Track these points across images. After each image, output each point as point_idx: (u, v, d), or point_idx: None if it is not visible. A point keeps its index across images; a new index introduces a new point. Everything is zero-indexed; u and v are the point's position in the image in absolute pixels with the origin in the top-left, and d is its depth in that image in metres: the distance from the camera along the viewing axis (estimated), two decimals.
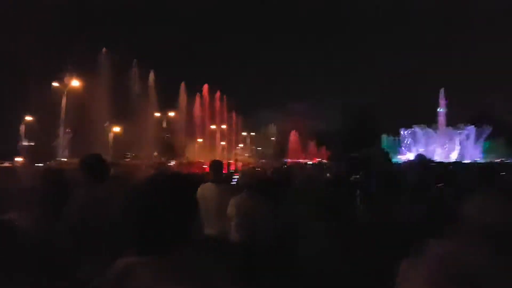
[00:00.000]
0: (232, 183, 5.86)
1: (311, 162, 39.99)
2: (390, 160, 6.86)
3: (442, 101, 55.43)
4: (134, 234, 1.40)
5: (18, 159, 34.21)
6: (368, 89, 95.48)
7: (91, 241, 2.86)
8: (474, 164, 23.08)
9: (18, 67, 43.43)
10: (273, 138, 76.49)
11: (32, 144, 47.30)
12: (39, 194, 3.44)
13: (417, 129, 55.88)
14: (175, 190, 1.48)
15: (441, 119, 55.45)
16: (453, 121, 56.23)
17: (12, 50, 41.72)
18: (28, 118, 46.99)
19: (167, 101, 61.53)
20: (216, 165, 5.02)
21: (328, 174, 11.48)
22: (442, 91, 55.50)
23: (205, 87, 65.54)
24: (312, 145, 73.35)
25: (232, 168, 31.22)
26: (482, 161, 33.80)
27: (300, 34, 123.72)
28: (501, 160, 35.71)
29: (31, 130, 47.35)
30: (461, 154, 45.86)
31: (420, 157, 4.12)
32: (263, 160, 50.20)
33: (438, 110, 55.53)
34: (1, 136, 39.76)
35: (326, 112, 66.10)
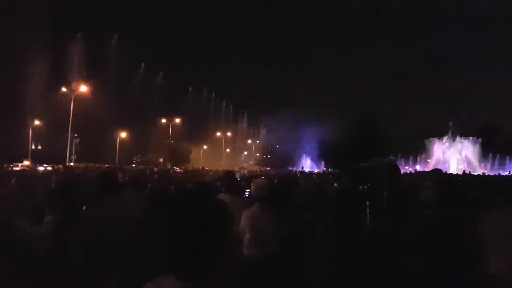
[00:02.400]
0: (245, 194, 5.83)
1: (316, 171, 39.86)
2: (399, 172, 6.81)
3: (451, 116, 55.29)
4: (168, 252, 1.40)
5: (26, 162, 34.40)
6: (376, 100, 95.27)
7: (107, 253, 2.87)
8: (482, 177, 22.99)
9: (26, 72, 43.91)
10: (277, 146, 76.43)
11: (40, 148, 47.60)
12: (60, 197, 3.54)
13: (435, 140, 55.57)
14: (212, 209, 1.49)
15: (452, 131, 55.20)
16: (463, 133, 56.04)
17: (20, 55, 42.25)
18: (37, 122, 47.37)
19: (173, 107, 61.95)
20: (229, 176, 5.03)
21: (335, 184, 11.46)
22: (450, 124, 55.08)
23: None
24: (317, 154, 73.17)
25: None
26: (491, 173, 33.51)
27: (303, 44, 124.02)
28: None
29: (39, 134, 47.68)
30: (469, 167, 45.58)
31: (436, 171, 4.08)
32: (268, 168, 50.08)
33: (450, 123, 55.35)
34: (10, 139, 40.03)
35: (332, 122, 65.97)
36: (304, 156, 69.08)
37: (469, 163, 49.65)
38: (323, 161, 68.76)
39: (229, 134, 72.51)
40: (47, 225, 3.48)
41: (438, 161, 46.86)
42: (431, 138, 56.24)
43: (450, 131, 54.27)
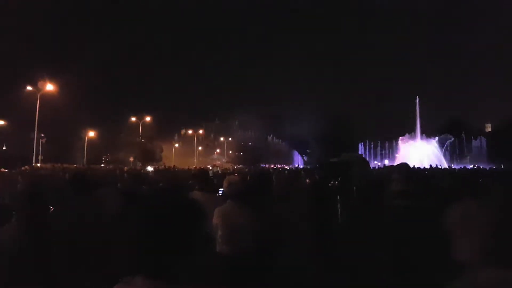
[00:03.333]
0: (218, 193, 5.81)
1: (287, 167, 40.15)
2: (368, 166, 7.01)
3: (417, 111, 56.96)
4: (137, 249, 1.40)
5: None
6: (345, 98, 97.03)
7: (78, 253, 2.83)
8: (448, 170, 23.83)
9: None
10: (250, 143, 76.52)
11: (4, 149, 45.81)
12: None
13: (405, 138, 57.11)
14: (184, 203, 1.50)
15: (417, 128, 56.90)
16: (426, 131, 57.92)
17: None
18: (1, 122, 45.51)
19: (144, 105, 60.91)
20: (203, 174, 5.02)
21: (307, 180, 11.63)
22: (417, 101, 56.96)
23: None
24: (288, 150, 73.74)
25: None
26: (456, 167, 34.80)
27: (279, 40, 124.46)
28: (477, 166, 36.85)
29: (3, 134, 45.86)
30: (434, 162, 47.24)
31: (403, 165, 4.22)
32: (240, 166, 50.07)
33: (416, 119, 57.03)
34: None
35: (303, 118, 66.66)
36: (276, 152, 69.55)
37: (435, 158, 51.38)
38: (295, 157, 69.47)
39: (201, 131, 71.93)
40: (13, 226, 3.38)
41: (405, 157, 48.25)
42: (400, 136, 57.85)
43: (417, 127, 55.94)
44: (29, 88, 38.72)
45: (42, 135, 44.06)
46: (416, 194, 3.91)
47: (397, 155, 55.41)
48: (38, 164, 35.61)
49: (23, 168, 26.06)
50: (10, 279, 2.90)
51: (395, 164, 6.37)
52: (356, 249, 5.95)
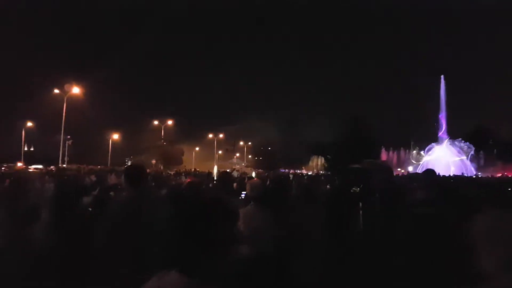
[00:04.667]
0: (241, 196, 5.87)
1: (307, 173, 39.85)
2: (392, 173, 6.90)
3: (442, 118, 55.49)
4: (175, 244, 1.46)
5: (19, 164, 34.16)
6: (368, 102, 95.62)
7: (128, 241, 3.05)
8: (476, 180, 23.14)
9: (20, 73, 43.59)
10: (269, 148, 76.36)
11: (32, 149, 47.21)
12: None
13: (428, 143, 55.86)
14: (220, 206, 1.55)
15: (442, 134, 55.50)
16: (453, 137, 56.41)
17: (13, 57, 41.92)
18: (29, 124, 46.97)
19: (166, 109, 61.84)
20: (226, 177, 5.08)
21: (327, 186, 11.52)
22: (442, 104, 55.50)
23: None
24: (308, 155, 73.25)
25: None
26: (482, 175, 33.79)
27: (297, 43, 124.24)
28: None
29: (31, 135, 47.30)
30: (461, 170, 45.91)
31: (428, 172, 4.14)
32: (260, 170, 50.08)
33: (439, 126, 55.59)
34: (3, 141, 39.74)
35: (323, 123, 66.16)
36: (295, 157, 69.15)
37: (462, 165, 50.11)
38: (315, 162, 68.92)
39: (221, 135, 72.30)
40: (43, 224, 3.54)
41: (430, 163, 47.14)
42: (425, 142, 56.66)
43: (442, 133, 54.69)
44: (56, 91, 39.88)
45: (68, 137, 45.25)
46: (440, 202, 3.85)
47: (421, 162, 54.22)
48: (64, 165, 36.54)
49: (49, 168, 26.83)
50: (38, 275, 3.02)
51: (419, 171, 6.26)
52: (375, 257, 5.88)
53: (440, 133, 54.72)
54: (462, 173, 33.10)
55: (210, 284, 1.41)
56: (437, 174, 5.44)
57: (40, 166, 29.82)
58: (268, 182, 10.12)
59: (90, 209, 4.52)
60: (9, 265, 3.04)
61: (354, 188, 10.57)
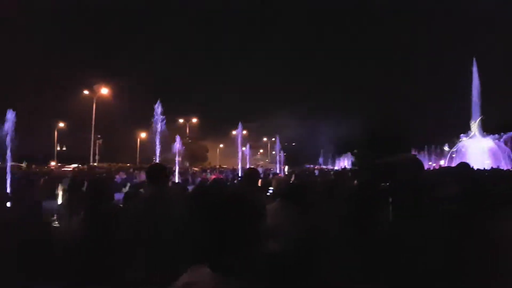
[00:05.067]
0: (268, 192, 5.87)
1: (333, 168, 39.45)
2: (422, 167, 6.71)
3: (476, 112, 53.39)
4: (203, 240, 1.49)
5: (53, 163, 35.44)
6: (397, 96, 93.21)
7: (150, 238, 3.22)
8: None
9: (51, 75, 45.07)
10: (294, 144, 75.94)
11: (64, 149, 48.76)
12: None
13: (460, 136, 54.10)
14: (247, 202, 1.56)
15: (477, 127, 53.50)
16: (488, 129, 54.37)
17: (46, 59, 43.36)
18: (61, 124, 48.54)
19: (191, 107, 62.58)
20: (252, 173, 5.08)
21: (355, 181, 11.39)
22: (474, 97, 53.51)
23: None
24: (334, 150, 72.43)
25: None
26: None
27: (319, 40, 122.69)
28: None
29: (63, 135, 48.84)
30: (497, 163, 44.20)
31: (461, 166, 3.98)
32: (284, 166, 49.95)
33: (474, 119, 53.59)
34: (37, 142, 41.19)
35: (350, 117, 65.13)
36: (322, 153, 68.55)
37: (495, 159, 48.30)
38: (341, 157, 68.08)
39: (244, 132, 72.40)
40: (80, 221, 3.66)
41: (463, 157, 45.67)
42: (457, 134, 54.89)
43: (475, 126, 52.78)
44: (85, 92, 41.07)
45: (99, 136, 46.54)
46: (471, 198, 3.73)
47: (453, 155, 52.59)
48: (95, 164, 37.62)
49: (81, 167, 27.70)
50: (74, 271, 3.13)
51: (451, 165, 6.05)
52: (400, 256, 5.75)
53: (472, 127, 52.93)
54: (498, 166, 31.82)
55: (240, 279, 1.42)
56: (471, 167, 5.24)
57: (75, 165, 30.71)
58: (293, 178, 10.09)
59: (121, 205, 4.63)
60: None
61: (382, 184, 10.40)
